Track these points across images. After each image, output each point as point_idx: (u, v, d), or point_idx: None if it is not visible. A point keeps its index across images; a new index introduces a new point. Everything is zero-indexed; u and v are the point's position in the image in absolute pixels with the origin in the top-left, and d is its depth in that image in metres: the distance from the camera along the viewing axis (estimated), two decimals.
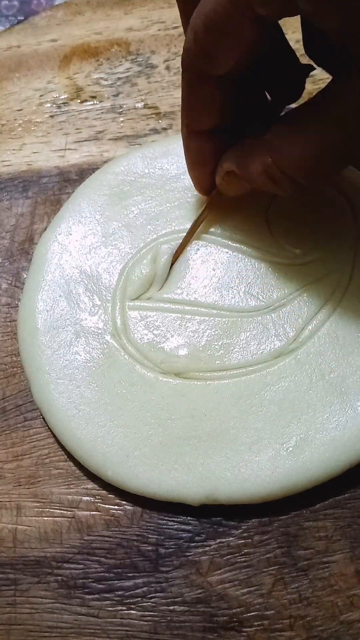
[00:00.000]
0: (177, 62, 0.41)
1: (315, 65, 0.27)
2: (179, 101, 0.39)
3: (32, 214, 0.37)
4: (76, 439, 0.28)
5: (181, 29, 0.42)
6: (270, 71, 0.28)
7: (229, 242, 0.32)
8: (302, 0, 0.20)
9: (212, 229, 0.32)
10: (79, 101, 0.41)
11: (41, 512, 0.28)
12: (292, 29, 0.29)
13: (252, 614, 0.26)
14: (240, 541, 0.27)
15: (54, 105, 0.41)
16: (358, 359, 0.28)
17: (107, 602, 0.26)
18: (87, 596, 0.27)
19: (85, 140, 0.39)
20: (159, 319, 0.31)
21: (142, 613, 0.26)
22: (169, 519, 0.28)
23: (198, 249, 0.32)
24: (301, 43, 0.27)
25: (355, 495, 0.27)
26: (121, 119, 0.39)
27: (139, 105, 0.40)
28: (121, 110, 0.40)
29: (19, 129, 0.40)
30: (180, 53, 0.41)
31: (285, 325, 0.30)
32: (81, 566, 0.27)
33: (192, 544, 0.27)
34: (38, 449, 0.30)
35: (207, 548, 0.27)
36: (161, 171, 0.35)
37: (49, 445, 0.30)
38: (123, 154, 0.37)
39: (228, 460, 0.27)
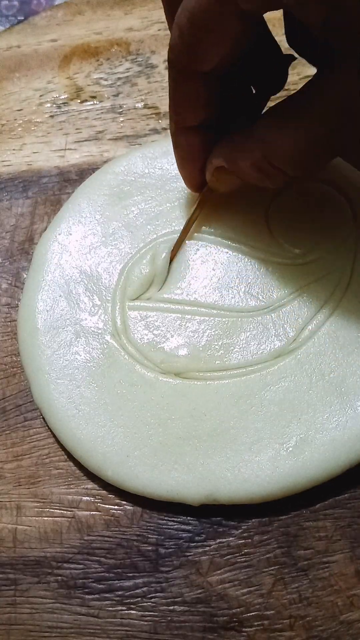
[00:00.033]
0: None
1: (296, 55, 0.28)
2: None
3: (32, 214, 0.37)
4: (76, 439, 0.28)
5: None
6: (254, 64, 0.28)
7: (229, 242, 0.32)
8: None
9: (212, 229, 0.32)
10: (79, 101, 0.41)
11: (41, 512, 0.28)
12: (273, 22, 0.29)
13: (252, 614, 0.26)
14: (240, 541, 0.27)
15: (54, 105, 0.41)
16: (358, 359, 0.28)
17: (107, 602, 0.26)
18: (87, 596, 0.27)
19: (85, 140, 0.39)
20: (159, 319, 0.31)
21: (142, 613, 0.26)
22: (169, 519, 0.28)
23: (198, 249, 0.32)
24: (284, 34, 0.27)
25: (355, 495, 0.27)
26: (121, 119, 0.39)
27: (139, 105, 0.40)
28: (121, 110, 0.40)
29: (19, 129, 0.40)
30: None
31: (285, 325, 0.30)
32: (81, 566, 0.27)
33: (192, 544, 0.27)
34: (38, 449, 0.30)
35: (207, 548, 0.27)
36: (161, 171, 0.35)
37: (49, 445, 0.30)
38: (123, 154, 0.37)
39: (228, 460, 0.27)
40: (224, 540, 0.27)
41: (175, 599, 0.26)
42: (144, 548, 0.27)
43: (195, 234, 0.32)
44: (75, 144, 0.39)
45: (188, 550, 0.27)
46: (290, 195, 0.33)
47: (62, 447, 0.29)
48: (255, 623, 0.25)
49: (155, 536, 0.27)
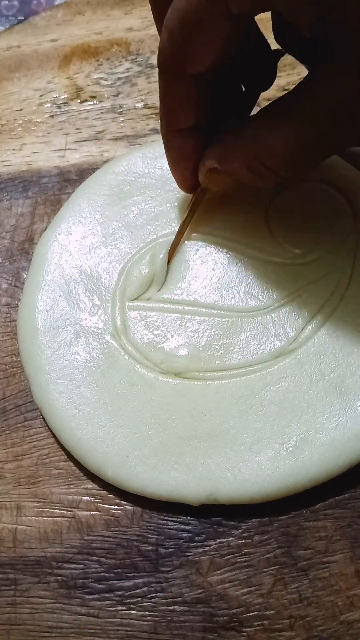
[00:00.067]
0: None
1: (284, 50, 0.28)
2: None
3: (32, 214, 0.37)
4: (76, 439, 0.28)
5: None
6: (243, 62, 0.28)
7: (229, 242, 0.32)
8: None
9: (212, 229, 0.32)
10: (79, 101, 0.41)
11: (41, 512, 0.28)
12: (261, 22, 0.29)
13: (252, 614, 0.26)
14: (240, 541, 0.27)
15: (54, 105, 0.41)
16: (358, 359, 0.28)
17: (107, 602, 0.26)
18: (87, 596, 0.27)
19: (85, 140, 0.39)
20: (159, 319, 0.31)
21: (142, 613, 0.26)
22: (169, 519, 0.28)
23: (198, 249, 0.32)
24: (271, 32, 0.27)
25: (355, 495, 0.27)
26: (121, 119, 0.39)
27: (139, 105, 0.40)
28: (121, 110, 0.40)
29: (19, 129, 0.40)
30: None
31: (285, 325, 0.30)
32: (81, 566, 0.27)
33: (192, 544, 0.27)
34: (38, 449, 0.30)
35: (207, 548, 0.27)
36: (161, 171, 0.35)
37: (49, 445, 0.30)
38: (123, 154, 0.37)
39: (228, 460, 0.27)
40: (224, 540, 0.27)
41: (175, 599, 0.26)
42: (144, 548, 0.27)
43: (195, 234, 0.32)
44: (75, 144, 0.39)
45: (188, 550, 0.27)
46: (290, 195, 0.33)
47: (62, 447, 0.29)
48: (255, 623, 0.25)
49: (155, 536, 0.27)
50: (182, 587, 0.26)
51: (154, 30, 0.42)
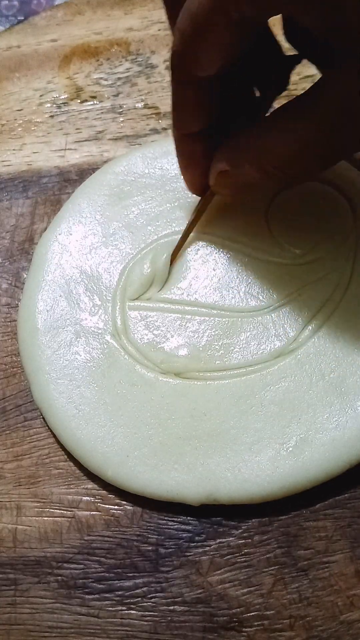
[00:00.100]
0: None
1: (300, 57, 0.28)
2: None
3: (32, 214, 0.37)
4: (76, 439, 0.28)
5: None
6: (255, 66, 0.28)
7: (229, 242, 0.32)
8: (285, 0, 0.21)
9: (212, 229, 0.32)
10: (79, 101, 0.41)
11: (41, 512, 0.28)
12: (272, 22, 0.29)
13: (252, 614, 0.26)
14: (240, 541, 0.27)
15: (54, 105, 0.41)
16: (358, 359, 0.28)
17: (107, 602, 0.26)
18: (87, 596, 0.27)
19: (85, 140, 0.39)
20: (159, 319, 0.31)
21: (142, 613, 0.26)
22: (169, 519, 0.28)
23: (198, 250, 0.32)
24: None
25: (355, 495, 0.27)
26: (121, 119, 0.39)
27: (139, 105, 0.40)
28: (121, 110, 0.40)
29: (19, 129, 0.40)
30: None
31: (285, 325, 0.30)
32: (81, 566, 0.27)
33: (192, 544, 0.27)
34: (38, 449, 0.30)
35: (207, 548, 0.27)
36: (161, 171, 0.35)
37: (49, 445, 0.30)
38: (123, 154, 0.37)
39: (228, 460, 0.27)
40: (224, 540, 0.27)
41: (175, 599, 0.26)
42: (144, 548, 0.27)
43: (196, 234, 0.32)
44: (75, 144, 0.39)
45: (188, 550, 0.27)
46: (290, 195, 0.33)
47: (62, 447, 0.29)
48: (255, 623, 0.25)
49: (155, 536, 0.27)
50: (182, 587, 0.26)
51: (154, 30, 0.43)
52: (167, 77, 0.40)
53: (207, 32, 0.23)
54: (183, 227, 0.32)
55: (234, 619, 0.26)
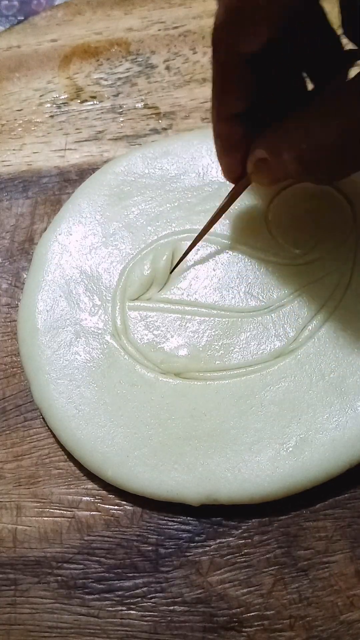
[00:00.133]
0: (177, 62, 0.41)
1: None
2: (179, 101, 0.39)
3: (32, 214, 0.37)
4: (76, 439, 0.28)
5: (181, 29, 0.42)
6: (306, 53, 0.27)
7: (229, 242, 0.32)
8: None
9: (212, 230, 0.32)
10: (79, 101, 0.41)
11: (41, 512, 0.28)
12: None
13: (252, 614, 0.26)
14: (240, 541, 0.27)
15: (54, 105, 0.41)
16: (358, 359, 0.28)
17: (107, 602, 0.26)
18: (87, 596, 0.27)
19: (85, 140, 0.39)
20: (159, 319, 0.31)
21: (142, 613, 0.26)
22: (169, 519, 0.28)
23: (198, 250, 0.32)
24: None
25: (355, 495, 0.27)
26: (121, 119, 0.39)
27: (139, 105, 0.40)
28: (121, 110, 0.40)
29: (19, 129, 0.40)
30: (180, 53, 0.41)
31: (285, 325, 0.30)
32: (81, 566, 0.27)
33: (192, 544, 0.27)
34: (38, 449, 0.30)
35: (207, 548, 0.27)
36: (161, 171, 0.35)
37: (49, 445, 0.30)
38: (123, 154, 0.37)
39: (228, 460, 0.27)
40: (224, 540, 0.27)
41: (175, 599, 0.26)
42: (144, 548, 0.27)
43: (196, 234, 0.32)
44: (75, 144, 0.39)
45: (188, 550, 0.27)
46: (290, 195, 0.33)
47: (62, 447, 0.29)
48: (255, 623, 0.25)
49: (155, 536, 0.27)
50: (182, 587, 0.26)
51: (154, 30, 0.43)
52: (167, 77, 0.40)
53: (253, 4, 0.22)
54: (183, 227, 0.32)
55: (234, 619, 0.26)
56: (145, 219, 0.33)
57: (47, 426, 0.30)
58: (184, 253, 0.31)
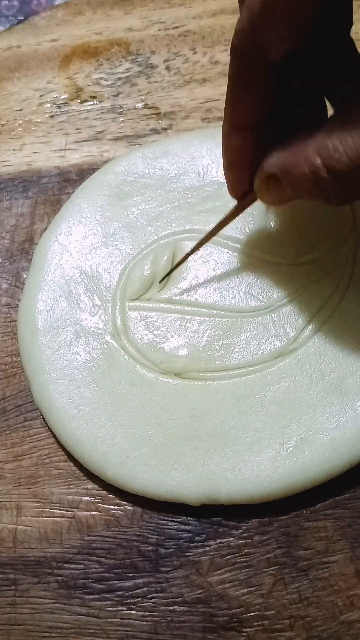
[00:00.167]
0: (177, 62, 0.41)
1: None
2: (179, 101, 0.39)
3: (32, 214, 0.37)
4: (76, 439, 0.28)
5: (181, 29, 0.42)
6: (327, 71, 0.26)
7: (229, 242, 0.32)
8: None
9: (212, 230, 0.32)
10: (79, 101, 0.41)
11: (41, 512, 0.28)
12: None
13: (252, 614, 0.26)
14: (240, 541, 0.27)
15: (54, 105, 0.41)
16: (358, 359, 0.28)
17: (107, 602, 0.26)
18: (87, 596, 0.27)
19: (85, 140, 0.39)
20: (159, 319, 0.31)
21: (142, 613, 0.26)
22: (169, 519, 0.28)
23: (198, 250, 0.32)
24: None
25: (355, 495, 0.27)
26: (121, 119, 0.39)
27: (139, 105, 0.40)
28: (121, 110, 0.40)
29: (19, 129, 0.40)
30: (181, 53, 0.41)
31: (285, 326, 0.30)
32: (81, 566, 0.27)
33: (192, 544, 0.27)
34: (38, 449, 0.30)
35: (207, 548, 0.27)
36: (161, 171, 0.35)
37: (49, 445, 0.30)
38: (123, 154, 0.37)
39: (228, 460, 0.27)
40: (224, 540, 0.27)
41: (175, 599, 0.26)
42: (144, 548, 0.27)
43: (196, 234, 0.32)
44: (75, 144, 0.39)
45: (188, 550, 0.27)
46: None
47: (62, 447, 0.29)
48: (255, 623, 0.25)
49: (155, 536, 0.27)
50: (182, 587, 0.26)
51: (154, 30, 0.43)
52: (167, 77, 0.40)
53: (278, 11, 0.21)
54: (183, 228, 0.32)
55: (234, 619, 0.26)
56: (145, 219, 0.33)
57: (47, 426, 0.30)
58: (182, 259, 0.31)
